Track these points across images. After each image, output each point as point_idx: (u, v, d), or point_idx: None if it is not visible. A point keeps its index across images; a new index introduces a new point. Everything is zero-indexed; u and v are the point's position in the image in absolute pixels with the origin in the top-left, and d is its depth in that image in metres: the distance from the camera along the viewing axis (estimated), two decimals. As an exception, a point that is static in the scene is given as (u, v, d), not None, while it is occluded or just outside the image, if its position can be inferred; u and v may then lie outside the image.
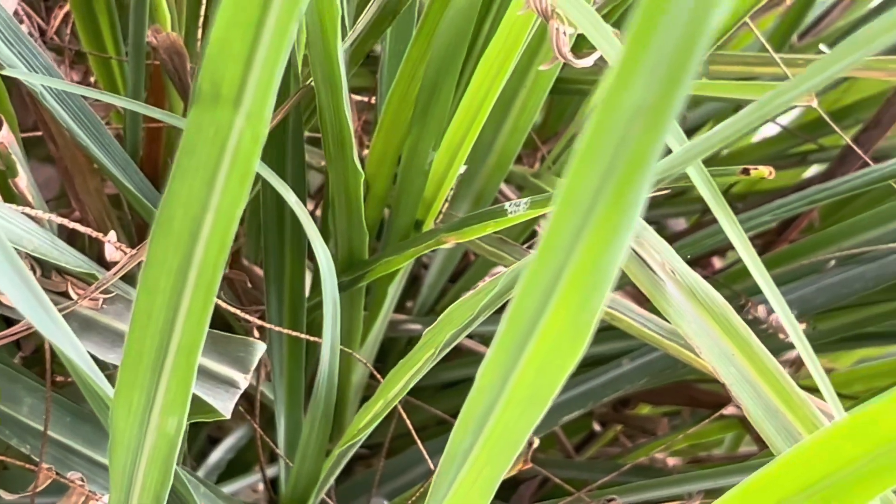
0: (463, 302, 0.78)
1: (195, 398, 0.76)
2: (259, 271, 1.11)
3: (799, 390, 0.75)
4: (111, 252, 0.82)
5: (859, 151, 1.06)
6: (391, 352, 1.29)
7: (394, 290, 1.05)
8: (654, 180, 0.58)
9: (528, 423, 0.52)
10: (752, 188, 1.40)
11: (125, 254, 0.81)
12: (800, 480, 0.51)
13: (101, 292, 0.79)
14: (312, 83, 0.80)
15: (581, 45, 0.83)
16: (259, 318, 0.99)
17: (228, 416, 0.76)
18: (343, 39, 0.81)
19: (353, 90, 1.16)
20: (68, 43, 1.04)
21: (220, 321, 0.99)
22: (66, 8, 1.00)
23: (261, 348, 0.78)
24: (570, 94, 1.13)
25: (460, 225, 0.86)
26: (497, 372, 0.52)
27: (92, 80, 1.03)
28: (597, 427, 1.39)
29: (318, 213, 1.15)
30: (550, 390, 0.52)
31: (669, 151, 0.74)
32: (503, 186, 1.19)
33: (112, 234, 0.83)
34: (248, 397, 1.09)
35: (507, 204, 0.81)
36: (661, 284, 0.81)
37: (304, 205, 0.91)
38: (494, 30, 0.84)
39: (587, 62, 0.71)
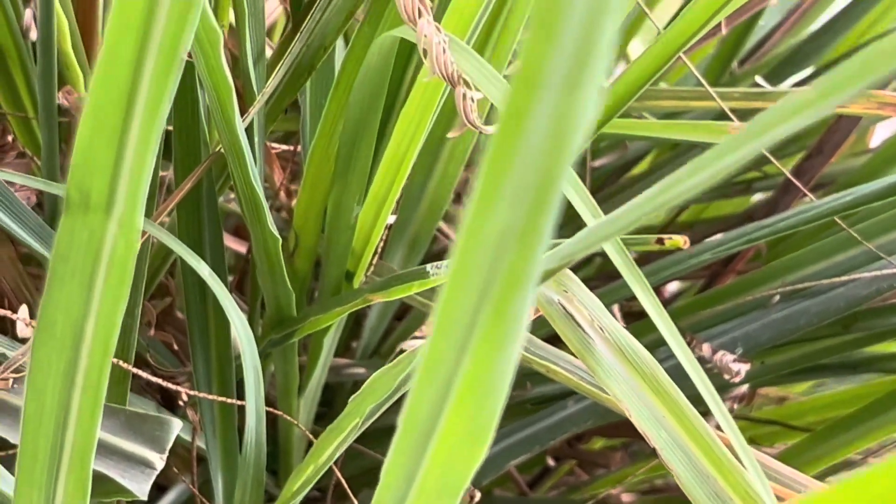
0: (384, 373, 0.76)
1: (111, 480, 0.74)
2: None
3: (731, 455, 0.73)
4: (22, 329, 0.79)
5: (798, 184, 1.04)
6: (338, 394, 1.27)
7: (329, 342, 1.03)
8: (565, 257, 0.56)
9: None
10: (698, 217, 1.38)
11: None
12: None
13: (11, 371, 0.77)
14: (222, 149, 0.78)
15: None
16: (189, 378, 0.97)
17: (145, 498, 0.74)
18: (253, 104, 0.78)
19: (279, 137, 1.14)
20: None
21: (154, 383, 0.97)
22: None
23: (176, 426, 0.76)
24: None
25: (385, 286, 0.84)
26: (398, 475, 0.50)
27: (10, 138, 1.00)
28: (551, 462, 1.37)
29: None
30: (458, 486, 0.50)
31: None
32: (442, 224, 1.17)
33: (23, 310, 0.80)
34: (186, 450, 1.07)
35: (428, 266, 0.79)
36: (589, 343, 0.79)
37: (224, 269, 0.88)
38: (413, 82, 0.82)
39: (495, 128, 0.69)
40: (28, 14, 0.94)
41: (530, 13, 0.32)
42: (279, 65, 0.78)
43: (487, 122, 0.70)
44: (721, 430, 0.76)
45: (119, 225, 0.50)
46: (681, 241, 0.68)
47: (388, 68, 0.79)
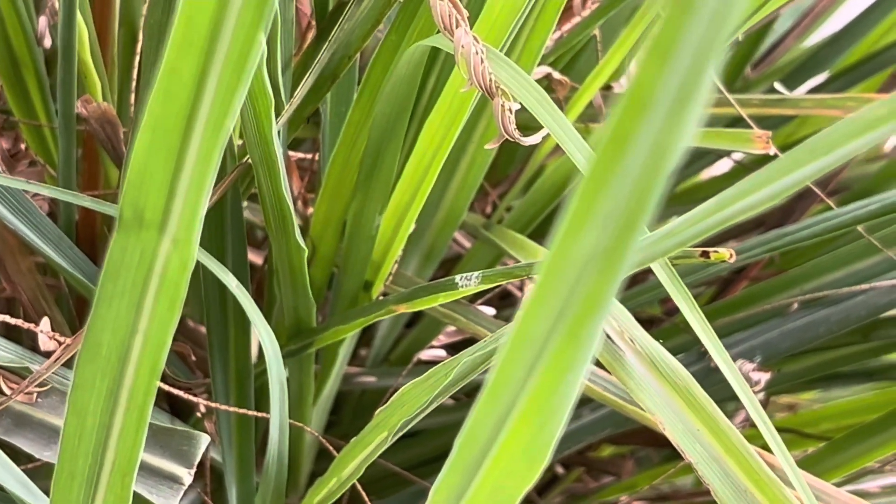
0: (414, 385, 0.75)
1: (137, 496, 0.73)
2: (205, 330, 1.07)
3: (768, 469, 0.72)
4: (45, 342, 0.78)
5: (817, 190, 1.04)
6: (346, 402, 1.25)
7: (344, 351, 1.02)
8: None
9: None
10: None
11: (59, 343, 0.77)
12: None
13: (35, 385, 0.75)
14: (249, 160, 0.77)
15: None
16: (206, 389, 0.95)
17: (173, 514, 0.73)
18: (280, 115, 0.77)
19: (295, 144, 1.13)
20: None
21: (164, 393, 0.95)
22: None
23: (204, 441, 0.75)
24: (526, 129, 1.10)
25: (410, 297, 0.83)
26: (449, 494, 0.50)
27: (23, 147, 0.99)
28: (559, 469, 1.36)
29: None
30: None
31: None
32: (456, 234, 1.16)
33: (45, 322, 0.79)
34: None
35: (457, 277, 0.78)
36: (620, 355, 0.78)
37: (247, 279, 0.87)
38: (439, 90, 0.81)
39: (535, 139, 0.68)
40: (42, 22, 0.93)
41: (648, 39, 0.31)
42: (307, 74, 0.77)
43: (522, 131, 0.69)
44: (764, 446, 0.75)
45: (174, 243, 0.49)
46: (727, 254, 0.67)
47: (417, 78, 0.78)
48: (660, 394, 0.77)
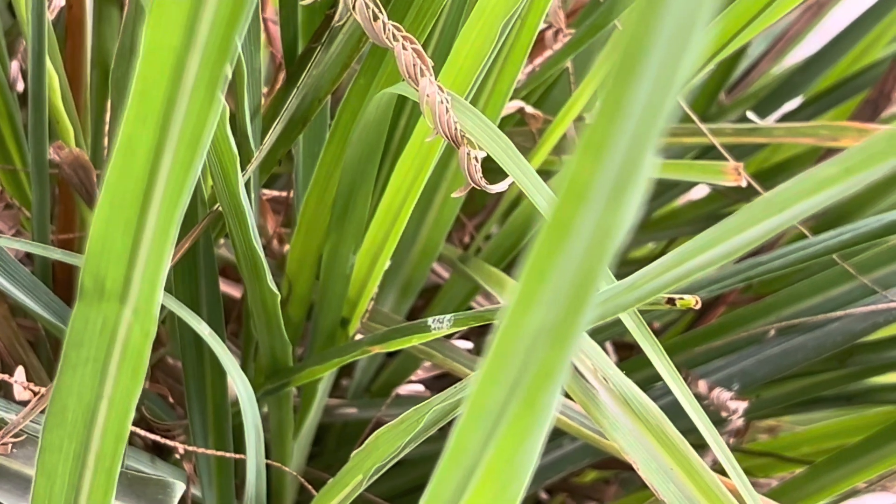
0: (387, 430, 0.75)
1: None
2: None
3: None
4: (20, 392, 0.78)
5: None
6: (328, 432, 1.26)
7: (324, 386, 1.02)
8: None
9: None
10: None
11: (34, 394, 0.77)
12: None
13: (10, 436, 0.76)
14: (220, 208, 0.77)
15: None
16: (185, 430, 0.96)
17: (149, 564, 0.73)
18: (249, 162, 0.78)
19: (271, 180, 1.13)
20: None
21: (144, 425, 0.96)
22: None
23: (179, 489, 0.75)
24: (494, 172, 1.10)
25: (384, 338, 0.83)
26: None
27: (-1, 190, 0.99)
28: (543, 495, 1.36)
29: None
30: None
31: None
32: (434, 264, 1.16)
33: (20, 372, 0.79)
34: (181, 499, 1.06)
35: (430, 320, 0.79)
36: (594, 394, 0.78)
37: (221, 326, 0.87)
38: (411, 129, 0.81)
39: (501, 187, 0.68)
40: (14, 66, 0.93)
41: (579, 135, 0.31)
42: (276, 120, 0.77)
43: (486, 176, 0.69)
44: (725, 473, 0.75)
45: (135, 313, 0.49)
46: (692, 301, 0.67)
47: (385, 122, 0.79)
48: (633, 432, 0.77)
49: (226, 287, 1.14)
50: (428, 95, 0.67)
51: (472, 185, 0.67)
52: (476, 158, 0.67)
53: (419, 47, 0.68)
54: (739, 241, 0.50)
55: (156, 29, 0.41)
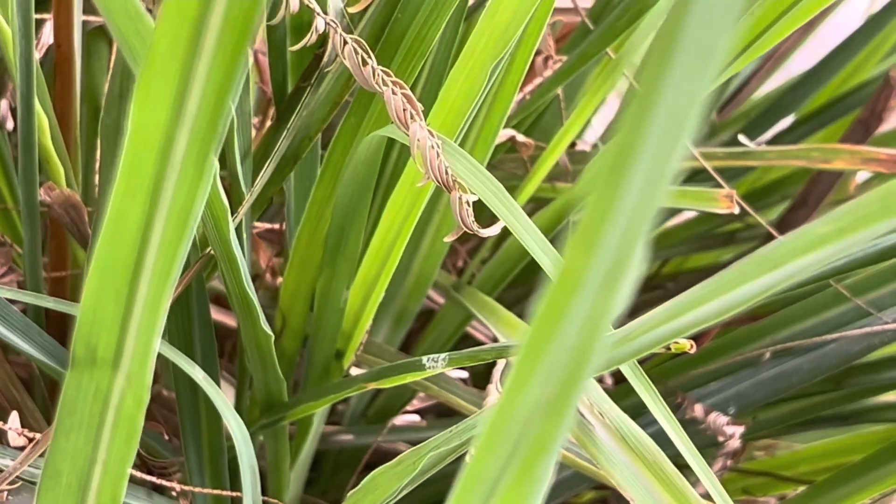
0: (383, 471, 0.75)
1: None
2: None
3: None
4: (14, 438, 0.78)
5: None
6: (325, 458, 1.25)
7: (319, 418, 1.02)
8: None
9: None
10: (681, 268, 1.37)
11: (29, 440, 0.77)
12: None
13: (6, 483, 0.75)
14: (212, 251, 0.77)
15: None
16: (181, 467, 0.95)
17: None
18: (242, 203, 0.77)
19: (261, 215, 1.13)
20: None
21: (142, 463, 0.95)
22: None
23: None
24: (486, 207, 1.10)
25: (378, 375, 0.83)
26: None
27: (-10, 229, 0.99)
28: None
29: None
30: None
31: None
32: (429, 291, 1.16)
33: (14, 418, 0.79)
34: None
35: (424, 358, 0.78)
36: (590, 430, 0.78)
37: (216, 368, 0.87)
38: (402, 165, 0.81)
39: (492, 231, 0.68)
40: (3, 105, 0.93)
41: (574, 228, 0.31)
42: (268, 161, 0.77)
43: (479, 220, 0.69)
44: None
45: (128, 380, 0.49)
46: (687, 345, 0.67)
47: (377, 161, 0.79)
48: (629, 468, 0.77)
49: (221, 316, 1.14)
50: (419, 140, 0.67)
51: (464, 229, 0.67)
52: (468, 203, 0.67)
53: (409, 92, 0.68)
54: (732, 298, 0.50)
55: (143, 106, 0.41)
